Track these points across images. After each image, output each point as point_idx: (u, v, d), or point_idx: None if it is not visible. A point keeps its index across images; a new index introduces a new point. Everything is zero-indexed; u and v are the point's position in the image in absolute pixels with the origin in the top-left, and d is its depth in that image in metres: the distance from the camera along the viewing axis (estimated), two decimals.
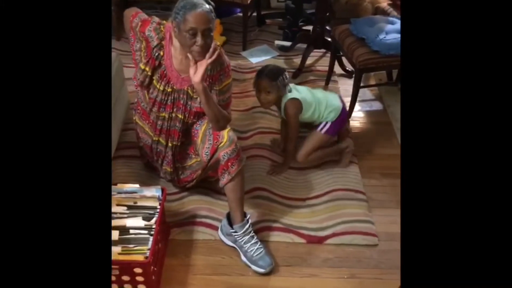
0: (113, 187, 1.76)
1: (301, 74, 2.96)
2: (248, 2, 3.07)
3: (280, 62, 3.10)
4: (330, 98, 2.18)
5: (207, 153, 1.77)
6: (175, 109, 1.82)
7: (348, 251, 1.87)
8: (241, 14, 3.30)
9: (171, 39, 1.73)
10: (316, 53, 3.13)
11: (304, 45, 3.03)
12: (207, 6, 1.59)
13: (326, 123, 2.16)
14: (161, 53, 1.74)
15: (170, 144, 1.89)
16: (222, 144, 1.74)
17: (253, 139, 2.43)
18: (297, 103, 2.10)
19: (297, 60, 3.04)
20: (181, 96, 1.79)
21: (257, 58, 3.15)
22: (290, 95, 2.09)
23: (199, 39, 1.58)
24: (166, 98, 1.80)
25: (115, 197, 1.72)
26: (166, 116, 1.83)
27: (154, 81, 1.78)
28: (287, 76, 2.10)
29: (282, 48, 3.25)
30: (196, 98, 1.77)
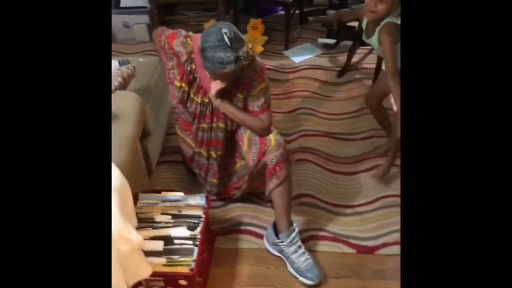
0: (157, 195, 1.74)
1: (346, 73, 2.84)
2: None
3: (324, 61, 3.00)
4: None
5: (254, 158, 1.71)
6: (215, 119, 1.76)
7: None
8: (283, 12, 3.23)
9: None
10: (362, 50, 2.99)
11: (349, 42, 2.91)
12: (237, 60, 1.47)
13: None
14: (193, 67, 1.68)
15: (214, 155, 1.83)
16: (270, 147, 1.68)
17: (297, 142, 2.35)
18: (394, 28, 1.77)
19: (342, 58, 2.93)
20: None
21: (300, 57, 3.06)
22: (388, 19, 1.80)
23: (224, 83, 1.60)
24: (204, 109, 1.75)
25: (159, 205, 1.70)
26: (206, 127, 1.78)
27: (192, 95, 1.73)
28: None
29: (326, 46, 3.14)
30: (234, 103, 1.71)
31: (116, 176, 1.42)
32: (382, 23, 1.82)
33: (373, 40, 1.90)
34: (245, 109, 1.71)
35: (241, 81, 1.66)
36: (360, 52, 2.99)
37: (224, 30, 1.45)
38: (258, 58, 1.68)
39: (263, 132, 1.70)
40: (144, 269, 1.41)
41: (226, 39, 1.44)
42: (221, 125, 1.76)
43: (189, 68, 1.68)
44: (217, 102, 1.67)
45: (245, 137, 1.76)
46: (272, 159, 1.67)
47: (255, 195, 2.01)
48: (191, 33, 1.71)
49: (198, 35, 1.59)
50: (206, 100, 1.72)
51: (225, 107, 1.68)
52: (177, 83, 1.72)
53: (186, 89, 1.71)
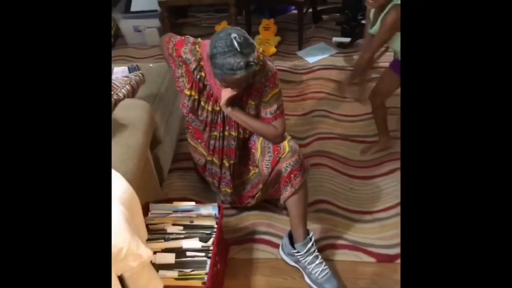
0: (168, 205, 1.70)
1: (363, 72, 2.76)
2: None
3: (339, 60, 2.93)
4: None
5: (267, 166, 1.65)
6: (227, 127, 1.70)
7: None
8: (296, 12, 3.18)
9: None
10: None
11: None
12: (247, 66, 1.41)
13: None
14: (203, 74, 1.62)
15: (227, 164, 1.77)
16: (284, 155, 1.62)
17: (313, 145, 2.28)
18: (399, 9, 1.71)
19: (357, 57, 2.84)
20: None
21: (314, 57, 2.99)
22: (395, 1, 1.74)
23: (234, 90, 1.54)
24: (216, 117, 1.69)
25: (170, 216, 1.66)
26: (218, 135, 1.73)
27: (202, 103, 1.68)
28: None
29: (340, 45, 3.08)
30: (246, 110, 1.65)
31: (124, 189, 1.38)
32: (388, 7, 1.75)
33: (376, 28, 1.84)
34: (257, 115, 1.66)
35: (252, 87, 1.59)
36: None
37: (234, 35, 1.39)
38: (269, 63, 1.61)
39: (277, 140, 1.64)
40: (154, 285, 1.37)
41: (236, 44, 1.38)
42: (233, 133, 1.70)
43: (198, 76, 1.62)
44: (227, 111, 1.61)
45: (258, 144, 1.70)
46: (287, 166, 1.61)
47: (270, 202, 1.95)
48: (199, 39, 1.65)
49: (207, 42, 1.53)
50: (217, 108, 1.67)
51: (236, 115, 1.62)
52: (187, 92, 1.66)
53: (196, 97, 1.66)
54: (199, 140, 1.83)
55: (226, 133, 1.71)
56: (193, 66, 1.61)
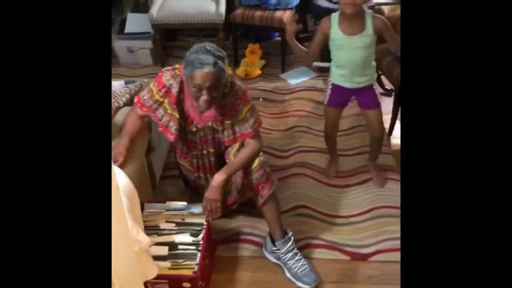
0: (161, 205, 1.84)
1: None
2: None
3: (319, 82, 3.15)
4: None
5: (239, 176, 1.82)
6: (205, 146, 1.87)
7: (394, 268, 1.85)
8: (279, 38, 3.40)
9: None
10: None
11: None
12: (215, 64, 1.57)
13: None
14: (181, 96, 1.76)
15: (210, 178, 1.90)
16: (252, 168, 1.79)
17: (294, 157, 2.47)
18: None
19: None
20: (208, 132, 1.83)
21: (296, 79, 3.22)
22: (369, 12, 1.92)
23: (204, 95, 1.62)
24: (194, 137, 1.85)
25: (164, 214, 1.81)
26: (199, 154, 1.90)
27: (182, 125, 1.81)
28: None
29: (321, 69, 3.29)
30: (222, 130, 1.80)
31: (126, 182, 1.54)
32: (368, 15, 1.90)
33: (366, 34, 1.92)
34: (234, 134, 1.80)
35: (226, 108, 1.76)
36: None
37: (208, 44, 1.63)
38: (238, 82, 1.79)
39: (259, 152, 1.83)
40: (150, 270, 1.50)
41: (208, 47, 1.61)
42: (211, 149, 1.88)
43: (181, 97, 1.76)
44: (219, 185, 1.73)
45: (231, 155, 1.85)
46: (254, 180, 1.79)
47: (253, 206, 2.10)
48: (177, 65, 1.80)
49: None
50: (194, 129, 1.82)
51: (229, 175, 1.76)
52: (175, 114, 1.76)
53: (178, 116, 1.78)
54: (186, 160, 2.00)
55: (205, 151, 1.88)
56: (175, 89, 1.74)
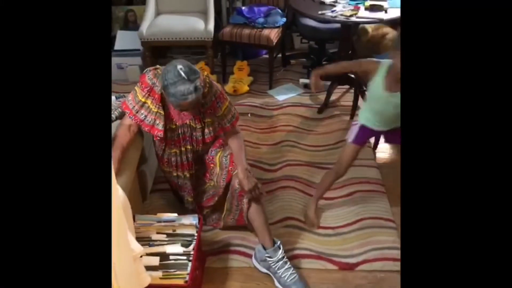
0: (153, 216, 1.86)
1: (326, 109, 3.07)
2: (274, 44, 3.24)
3: (306, 99, 3.23)
4: None
5: (224, 178, 1.92)
6: (183, 143, 1.94)
7: (380, 277, 1.90)
8: (267, 56, 3.47)
9: None
10: (340, 89, 3.25)
11: (328, 82, 3.15)
12: (195, 89, 1.63)
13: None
14: (164, 95, 1.79)
15: (188, 175, 2.01)
16: (236, 172, 1.88)
17: (282, 171, 2.52)
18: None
19: (322, 97, 3.16)
20: (186, 130, 1.91)
21: (283, 95, 3.29)
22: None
23: (188, 110, 1.79)
24: (172, 135, 1.91)
25: (155, 225, 1.83)
26: (178, 151, 1.96)
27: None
28: None
29: (307, 86, 3.37)
30: (200, 128, 1.90)
31: (119, 192, 1.56)
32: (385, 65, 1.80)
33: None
34: (214, 130, 1.93)
35: (206, 107, 1.86)
36: (338, 91, 3.23)
37: (179, 66, 1.64)
38: (214, 83, 1.89)
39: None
40: (143, 279, 1.51)
41: (183, 74, 1.63)
42: (189, 146, 1.95)
43: (163, 95, 1.80)
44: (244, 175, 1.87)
45: (216, 159, 1.96)
46: (238, 187, 1.88)
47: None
48: (158, 65, 1.87)
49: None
50: (173, 126, 1.90)
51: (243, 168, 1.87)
52: (161, 111, 1.82)
53: (162, 112, 1.84)
54: (167, 164, 2.05)
55: (183, 148, 1.95)
56: (159, 87, 1.79)
